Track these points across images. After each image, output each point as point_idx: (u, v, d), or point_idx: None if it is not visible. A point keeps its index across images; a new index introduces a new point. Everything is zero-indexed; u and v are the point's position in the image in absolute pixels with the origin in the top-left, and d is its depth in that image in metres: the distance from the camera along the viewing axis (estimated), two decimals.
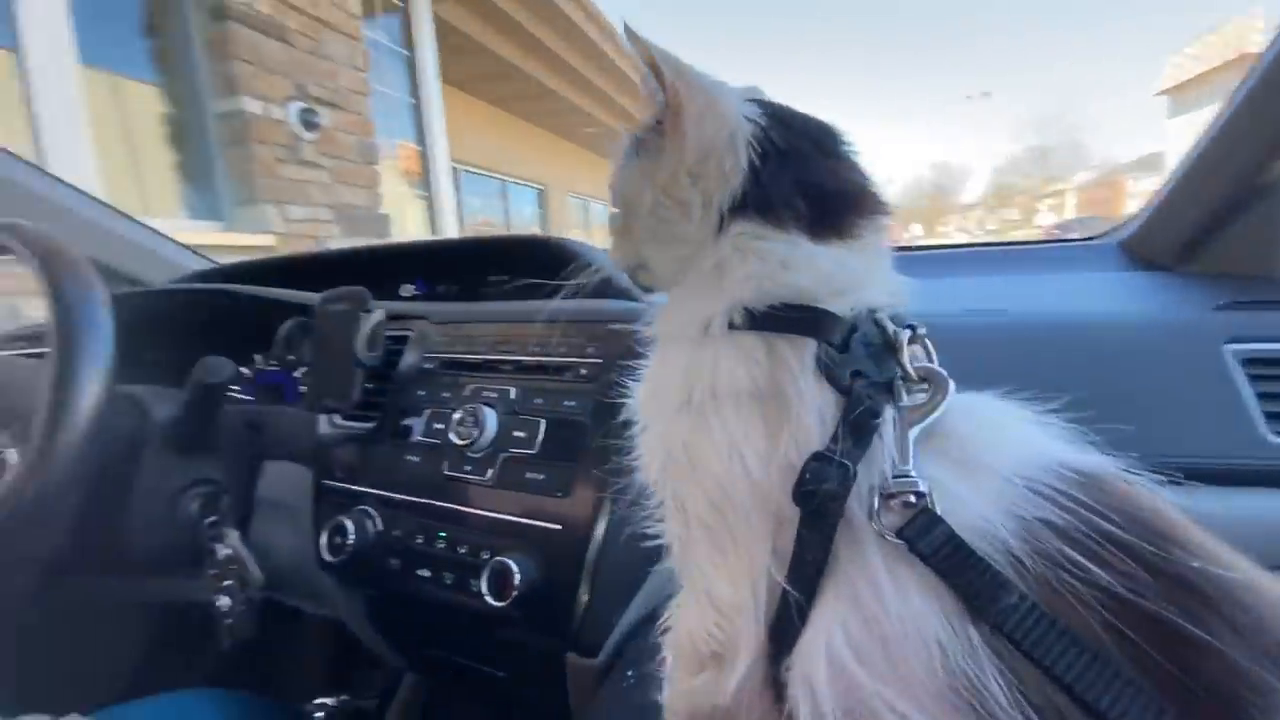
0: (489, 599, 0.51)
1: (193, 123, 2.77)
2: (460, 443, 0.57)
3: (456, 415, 0.58)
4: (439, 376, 0.65)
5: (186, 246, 1.11)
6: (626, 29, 0.28)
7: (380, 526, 0.60)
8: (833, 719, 0.21)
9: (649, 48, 0.28)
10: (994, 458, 0.23)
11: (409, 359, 0.67)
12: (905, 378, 0.25)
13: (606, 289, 0.58)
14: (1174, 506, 0.22)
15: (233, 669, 0.84)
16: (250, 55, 2.75)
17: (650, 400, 0.30)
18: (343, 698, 0.91)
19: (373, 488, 0.62)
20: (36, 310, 0.55)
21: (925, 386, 0.25)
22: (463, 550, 0.56)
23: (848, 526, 0.23)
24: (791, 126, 0.30)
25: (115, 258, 0.94)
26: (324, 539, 0.60)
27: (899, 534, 0.21)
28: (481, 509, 0.56)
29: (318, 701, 0.88)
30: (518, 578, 0.51)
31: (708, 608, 0.26)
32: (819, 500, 0.23)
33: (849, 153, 0.31)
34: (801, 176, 0.29)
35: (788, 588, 0.23)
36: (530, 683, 0.63)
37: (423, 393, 0.64)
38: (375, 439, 0.65)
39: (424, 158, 5.05)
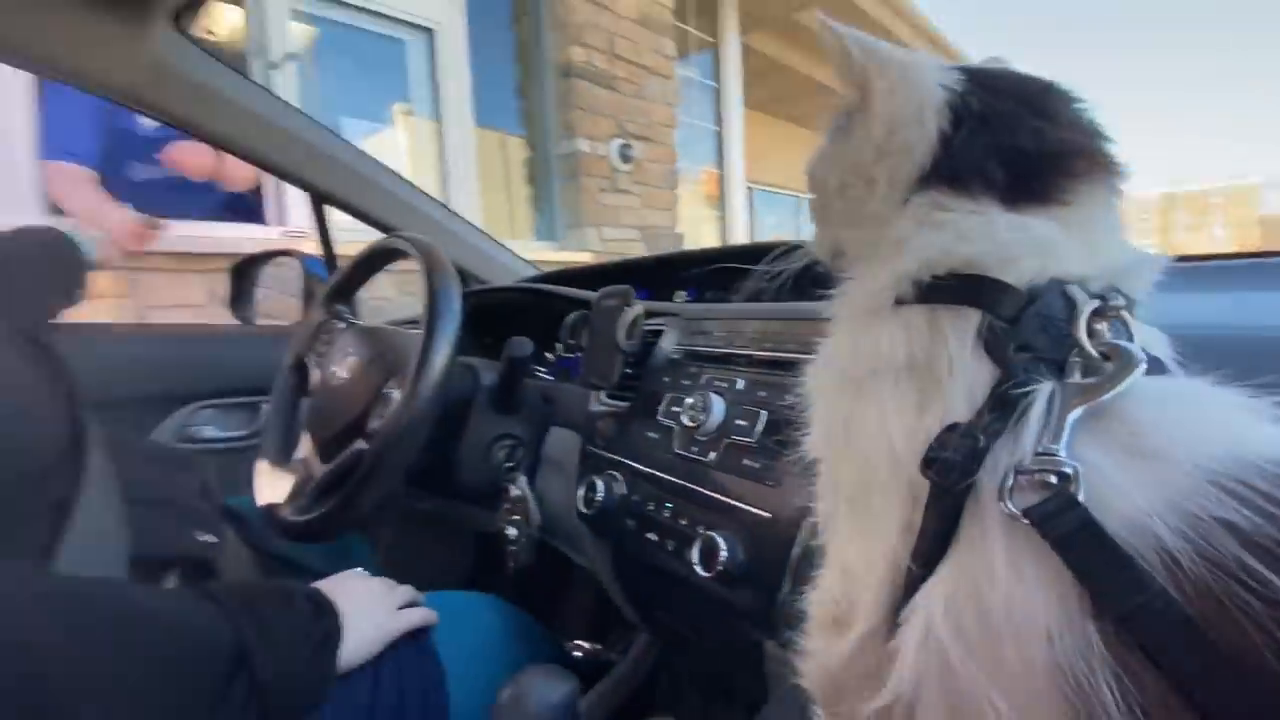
0: (697, 569, 0.56)
1: (542, 163, 3.45)
2: (690, 425, 0.63)
3: (689, 400, 0.64)
4: (683, 366, 0.72)
5: (521, 257, 1.41)
6: (819, 21, 0.30)
7: (624, 490, 0.70)
8: (914, 692, 0.20)
9: (836, 33, 0.29)
10: (1174, 445, 0.19)
11: (660, 349, 0.76)
12: (1082, 354, 0.22)
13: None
14: None
15: (517, 591, 1.04)
16: (585, 103, 3.32)
17: (819, 377, 0.30)
18: (596, 646, 1.05)
19: (622, 456, 0.72)
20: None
21: (1110, 366, 0.21)
22: (683, 522, 0.61)
23: (975, 503, 0.21)
24: (997, 89, 0.28)
25: (472, 264, 1.26)
26: (581, 493, 0.72)
27: (1026, 513, 0.19)
28: (701, 487, 0.60)
29: (576, 643, 1.03)
30: (724, 554, 0.54)
31: (839, 576, 0.26)
32: (939, 470, 0.21)
33: (1070, 111, 0.27)
34: (999, 140, 0.26)
35: (909, 562, 0.22)
36: (737, 662, 0.65)
37: (668, 379, 0.72)
38: (629, 416, 0.75)
39: (721, 180, 5.38)
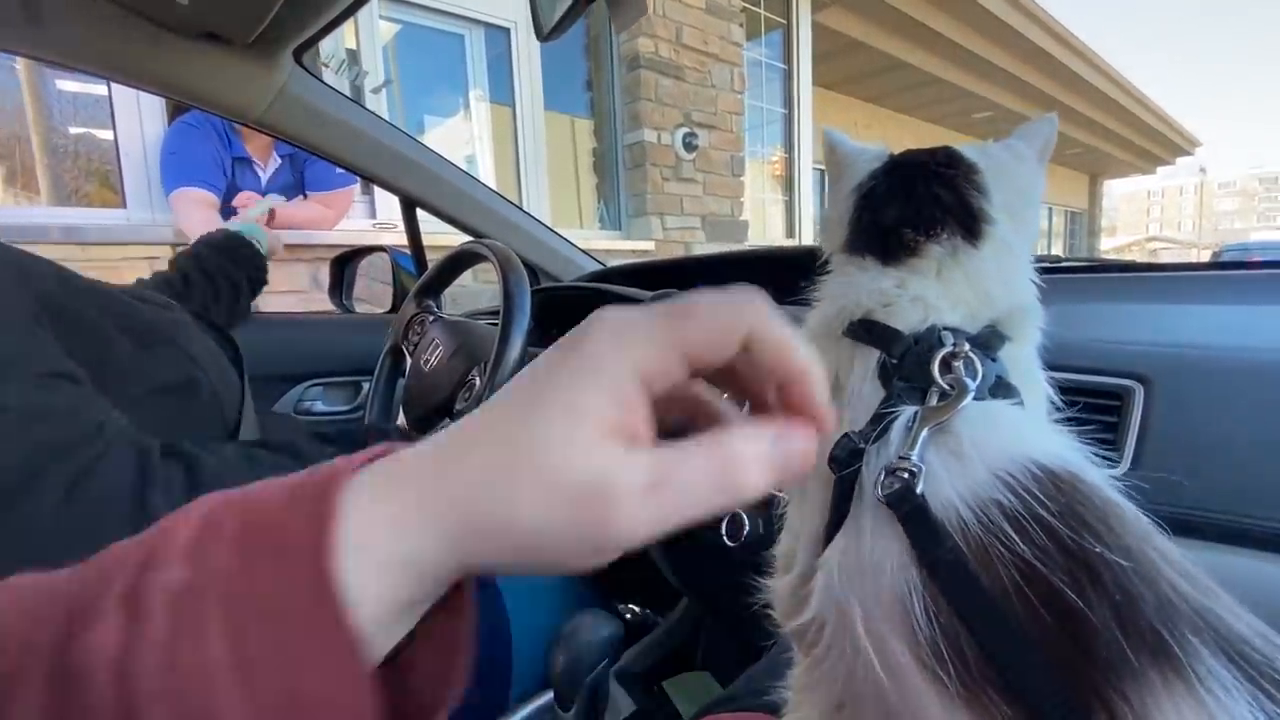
0: (725, 538, 0.66)
1: (609, 153, 3.56)
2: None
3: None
4: None
5: (586, 252, 1.52)
6: (824, 130, 0.39)
7: None
8: (822, 613, 0.30)
9: (825, 134, 0.39)
10: (979, 452, 0.28)
11: None
12: (937, 385, 0.31)
13: None
14: (1124, 509, 0.25)
15: None
16: (650, 94, 3.39)
17: None
18: (646, 610, 1.17)
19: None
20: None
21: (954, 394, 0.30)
22: None
23: (861, 491, 0.30)
24: (894, 173, 0.36)
25: (542, 260, 1.38)
26: None
27: (885, 498, 0.28)
28: None
29: (628, 605, 1.15)
30: (747, 527, 0.64)
31: (789, 536, 0.36)
32: (832, 464, 0.31)
33: (927, 188, 0.36)
34: (874, 216, 0.36)
35: (824, 529, 0.32)
36: (765, 624, 0.75)
37: None
38: None
39: (789, 164, 5.32)
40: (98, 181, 2.59)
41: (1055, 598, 0.22)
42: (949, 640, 0.24)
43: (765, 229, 5.36)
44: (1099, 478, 0.27)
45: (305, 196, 2.19)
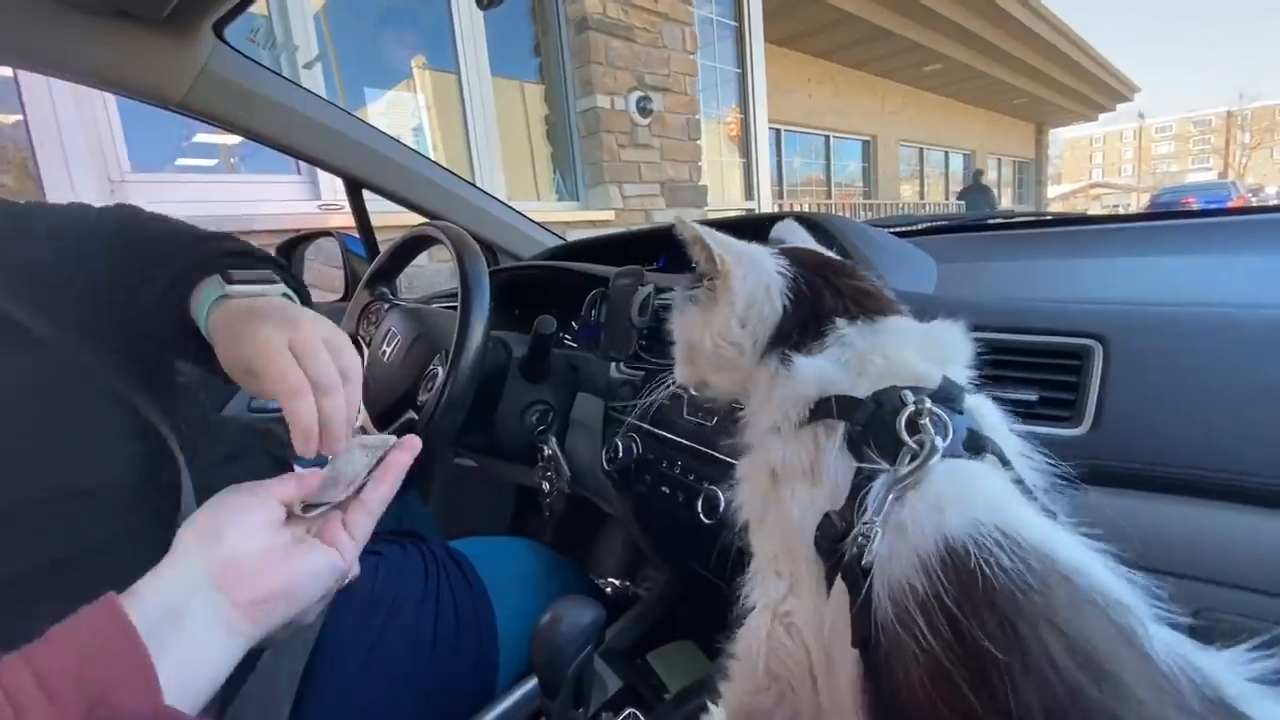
0: (702, 516, 0.66)
1: (562, 121, 3.46)
2: (696, 393, 0.72)
3: None
4: None
5: (545, 227, 1.48)
6: (677, 220, 0.39)
7: (640, 450, 0.80)
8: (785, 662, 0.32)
9: (694, 229, 0.38)
10: (917, 525, 0.28)
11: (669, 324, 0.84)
12: (908, 447, 0.30)
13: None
14: (1017, 599, 0.25)
15: (554, 536, 1.16)
16: (601, 57, 3.29)
17: (748, 479, 0.41)
18: (625, 583, 1.18)
19: (638, 420, 0.82)
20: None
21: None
22: (690, 477, 0.71)
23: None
24: (811, 270, 0.40)
25: (499, 238, 1.34)
26: (604, 452, 0.83)
27: (845, 562, 0.29)
28: (704, 447, 0.70)
29: (607, 579, 1.16)
30: (723, 504, 0.64)
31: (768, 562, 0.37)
32: (818, 548, 0.32)
33: (847, 279, 0.40)
34: (815, 309, 0.39)
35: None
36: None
37: None
38: (644, 384, 0.84)
39: (744, 124, 5.26)
40: (16, 171, 2.40)
41: (962, 692, 0.23)
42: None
43: (724, 191, 5.32)
44: (997, 566, 0.26)
45: None
